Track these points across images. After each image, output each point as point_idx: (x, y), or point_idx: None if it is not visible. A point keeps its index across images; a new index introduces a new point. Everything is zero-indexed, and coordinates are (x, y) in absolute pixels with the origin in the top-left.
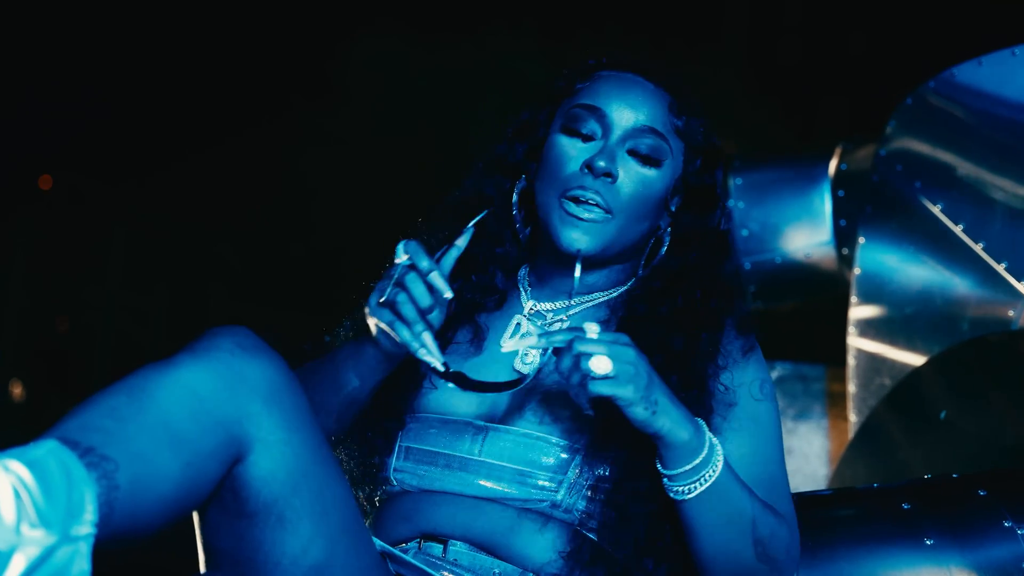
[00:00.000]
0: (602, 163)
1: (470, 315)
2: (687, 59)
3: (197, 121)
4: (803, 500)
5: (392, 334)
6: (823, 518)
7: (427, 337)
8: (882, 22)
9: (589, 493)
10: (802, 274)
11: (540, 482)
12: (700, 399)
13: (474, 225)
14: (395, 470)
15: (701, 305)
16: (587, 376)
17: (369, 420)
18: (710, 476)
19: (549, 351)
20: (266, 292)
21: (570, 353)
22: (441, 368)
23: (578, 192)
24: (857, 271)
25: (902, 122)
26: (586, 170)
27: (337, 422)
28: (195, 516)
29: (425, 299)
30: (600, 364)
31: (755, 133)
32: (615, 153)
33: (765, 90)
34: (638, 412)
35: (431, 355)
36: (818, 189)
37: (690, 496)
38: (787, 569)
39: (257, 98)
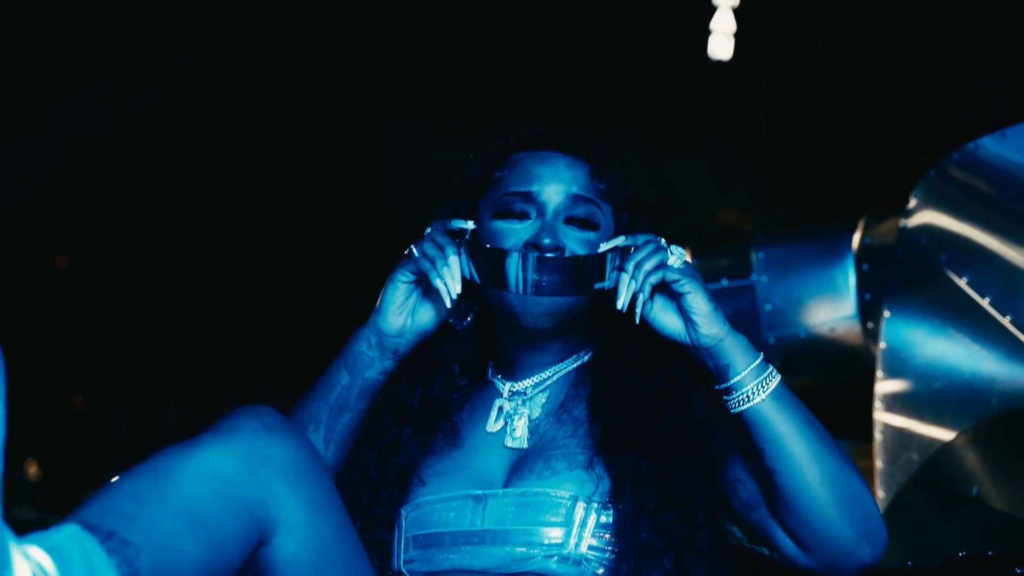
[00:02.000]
0: (548, 240)
1: (444, 415)
2: (702, 130)
3: (208, 193)
4: None
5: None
6: None
7: (445, 271)
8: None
9: (597, 542)
10: (827, 348)
11: (547, 539)
12: (693, 426)
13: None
14: (405, 561)
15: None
16: (664, 264)
17: (366, 530)
18: (776, 374)
19: (534, 421)
20: (281, 365)
21: (649, 249)
22: (453, 296)
23: None
24: (883, 345)
25: (926, 195)
26: (532, 249)
27: (327, 440)
28: None
29: (445, 244)
30: (675, 259)
31: (771, 203)
32: (555, 227)
33: (781, 159)
34: (704, 301)
35: (445, 285)
36: (842, 263)
37: (767, 392)
38: (871, 496)
39: (270, 167)
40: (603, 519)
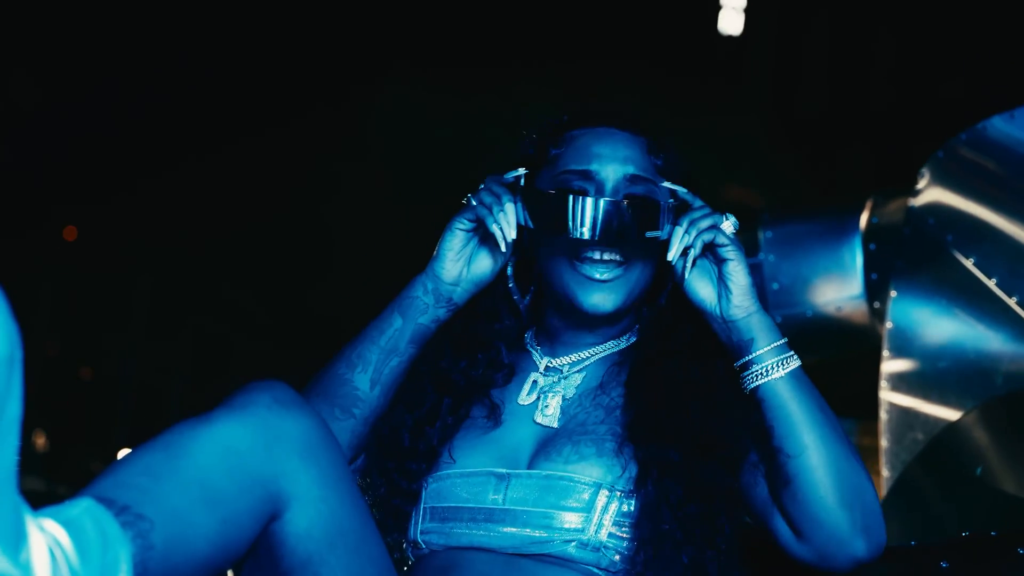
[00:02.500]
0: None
1: (484, 391)
2: (711, 109)
3: (221, 172)
4: None
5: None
6: None
7: (501, 216)
8: (907, 71)
9: (617, 531)
10: (833, 328)
11: (566, 523)
12: (724, 421)
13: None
14: (422, 532)
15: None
16: (717, 227)
17: (388, 497)
18: (796, 359)
19: (567, 400)
20: (289, 339)
21: (705, 211)
22: (508, 240)
23: (592, 251)
24: (889, 325)
25: (934, 175)
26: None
27: (374, 381)
28: (230, 574)
29: (501, 192)
30: (728, 224)
31: (778, 182)
32: None
33: (788, 139)
34: (744, 274)
35: (501, 229)
36: (849, 242)
37: (786, 371)
38: (875, 494)
39: (278, 144)
40: (625, 508)
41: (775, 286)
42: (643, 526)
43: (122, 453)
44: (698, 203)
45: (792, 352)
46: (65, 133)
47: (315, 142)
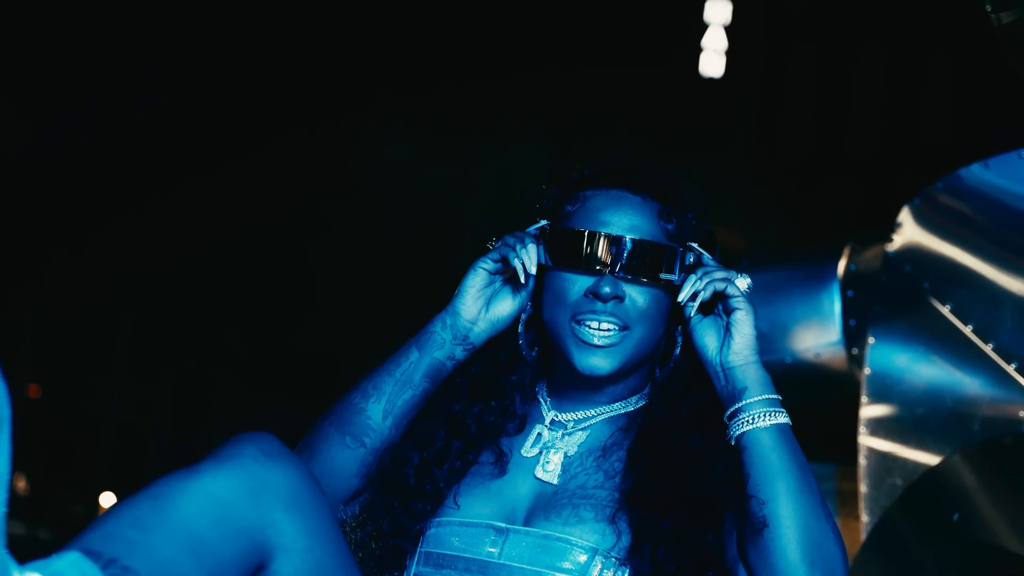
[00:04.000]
0: (607, 289)
1: (493, 438)
2: (695, 148)
3: (203, 208)
4: None
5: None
6: None
7: (523, 252)
8: (891, 109)
9: None
10: (812, 374)
11: None
12: (716, 492)
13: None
14: (415, 575)
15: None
16: (730, 280)
17: (386, 535)
18: (786, 416)
19: (568, 458)
20: (272, 380)
21: (719, 267)
22: (530, 272)
23: (589, 317)
24: (867, 371)
25: (910, 222)
26: (592, 296)
27: (386, 412)
28: None
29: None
30: (742, 282)
31: (762, 219)
32: (616, 275)
33: (772, 174)
34: (751, 326)
35: (523, 262)
36: (827, 289)
37: (771, 422)
38: (843, 557)
39: (262, 182)
40: (620, 573)
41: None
42: None
43: (104, 496)
44: (711, 261)
45: (783, 410)
46: (45, 172)
47: (299, 180)
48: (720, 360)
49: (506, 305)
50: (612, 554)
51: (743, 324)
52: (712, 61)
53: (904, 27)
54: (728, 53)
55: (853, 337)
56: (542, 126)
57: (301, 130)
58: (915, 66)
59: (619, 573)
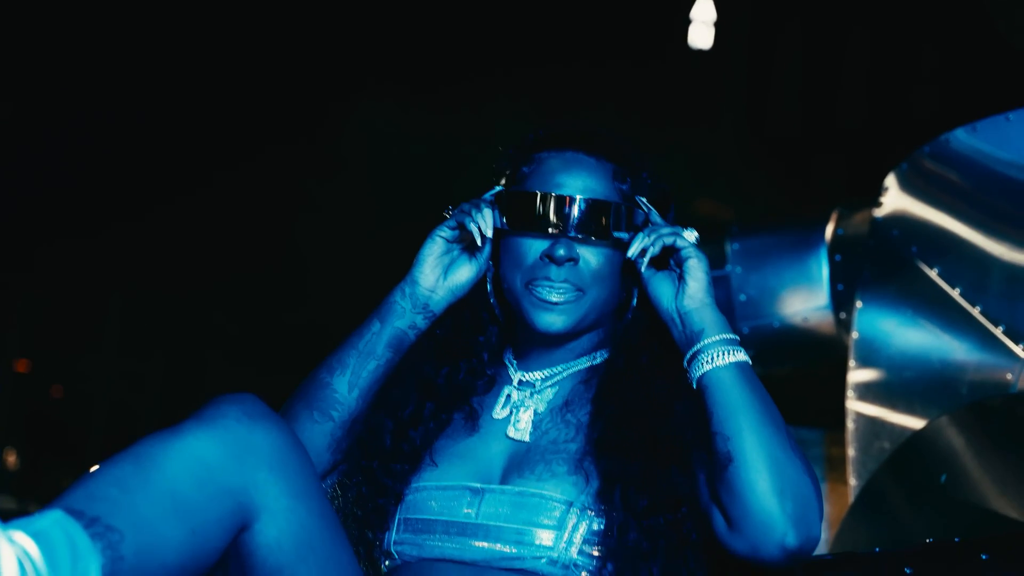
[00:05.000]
0: (562, 251)
1: (464, 397)
2: (684, 125)
3: (192, 187)
4: (804, 565)
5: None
6: None
7: (479, 216)
8: (879, 84)
9: (587, 548)
10: (800, 339)
11: (538, 540)
12: (683, 432)
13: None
14: (395, 543)
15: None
16: (678, 234)
17: (367, 498)
18: (744, 353)
19: (539, 415)
20: (263, 358)
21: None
22: (486, 236)
23: (544, 282)
24: (855, 335)
25: (898, 187)
26: (547, 259)
27: (352, 384)
28: None
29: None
30: (690, 235)
31: (751, 195)
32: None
33: (762, 151)
34: (703, 271)
35: (478, 226)
36: (815, 254)
37: (731, 360)
38: (813, 488)
39: (252, 163)
40: (595, 526)
41: (742, 298)
42: (610, 539)
43: (94, 470)
44: (659, 218)
45: (741, 348)
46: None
47: (289, 161)
48: (676, 306)
49: (464, 272)
50: (588, 505)
51: (695, 270)
52: (701, 33)
53: (893, 2)
54: (717, 27)
55: (841, 301)
56: (531, 102)
57: (290, 110)
58: (904, 42)
59: (596, 524)
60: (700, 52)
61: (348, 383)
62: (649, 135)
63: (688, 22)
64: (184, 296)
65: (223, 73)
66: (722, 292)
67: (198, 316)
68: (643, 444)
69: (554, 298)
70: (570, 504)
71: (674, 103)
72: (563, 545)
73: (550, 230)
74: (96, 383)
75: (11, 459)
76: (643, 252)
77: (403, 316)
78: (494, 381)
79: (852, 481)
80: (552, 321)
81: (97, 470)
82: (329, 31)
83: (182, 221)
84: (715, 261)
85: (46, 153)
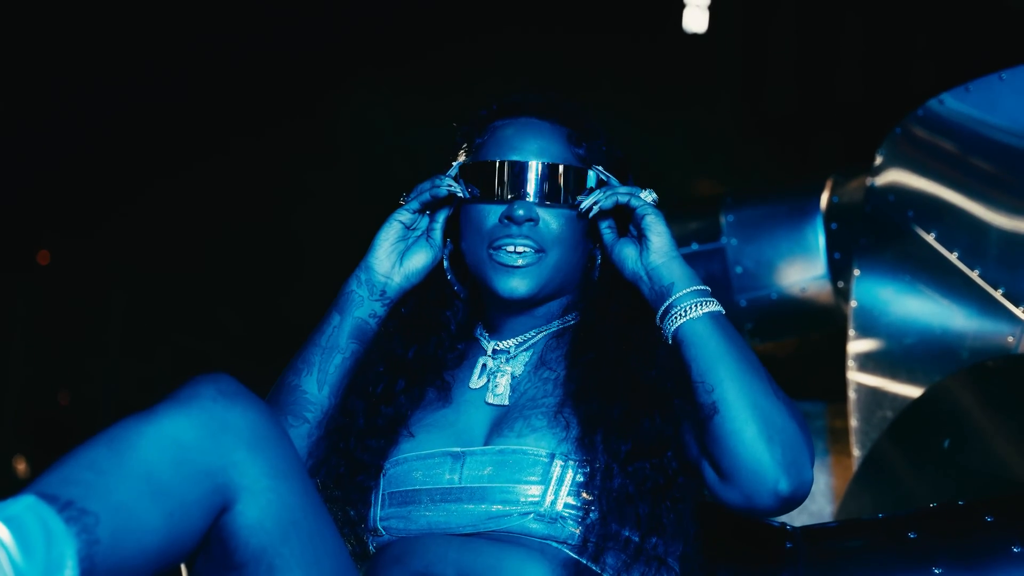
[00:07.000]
0: (521, 211)
1: (436, 372)
2: (681, 104)
3: (187, 184)
4: (809, 533)
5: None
6: (830, 550)
7: (445, 180)
8: (875, 60)
9: (573, 500)
10: (798, 309)
11: (524, 496)
12: (665, 376)
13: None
14: (382, 518)
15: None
16: (633, 193)
17: (345, 477)
18: (717, 305)
19: (516, 378)
20: (267, 352)
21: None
22: (458, 194)
23: (505, 241)
24: (854, 304)
25: (892, 152)
26: (507, 221)
27: (320, 382)
28: (183, 569)
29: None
30: (647, 195)
31: (748, 173)
32: (529, 198)
33: (758, 128)
34: (662, 226)
35: (448, 185)
36: (811, 223)
37: (703, 311)
38: (801, 432)
39: (246, 156)
40: (580, 477)
41: (739, 270)
42: (594, 484)
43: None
44: (616, 182)
45: (714, 299)
46: (36, 155)
47: (284, 150)
48: (643, 264)
49: (420, 258)
50: (571, 456)
51: (655, 225)
52: (695, 16)
53: None
54: (711, 8)
55: (838, 270)
56: (525, 83)
57: (283, 98)
58: (900, 17)
59: (580, 475)
60: (693, 35)
61: (317, 382)
62: (644, 113)
63: (683, 6)
64: (185, 294)
65: (216, 68)
66: (718, 265)
67: (200, 313)
68: (622, 388)
69: (516, 260)
70: (552, 456)
71: (670, 82)
72: (550, 498)
73: (509, 196)
74: (101, 386)
75: (21, 467)
76: (601, 213)
77: (361, 305)
78: (465, 355)
79: (855, 452)
80: (515, 286)
81: (71, 454)
82: (321, 19)
83: (179, 218)
84: (710, 234)
85: (44, 159)
